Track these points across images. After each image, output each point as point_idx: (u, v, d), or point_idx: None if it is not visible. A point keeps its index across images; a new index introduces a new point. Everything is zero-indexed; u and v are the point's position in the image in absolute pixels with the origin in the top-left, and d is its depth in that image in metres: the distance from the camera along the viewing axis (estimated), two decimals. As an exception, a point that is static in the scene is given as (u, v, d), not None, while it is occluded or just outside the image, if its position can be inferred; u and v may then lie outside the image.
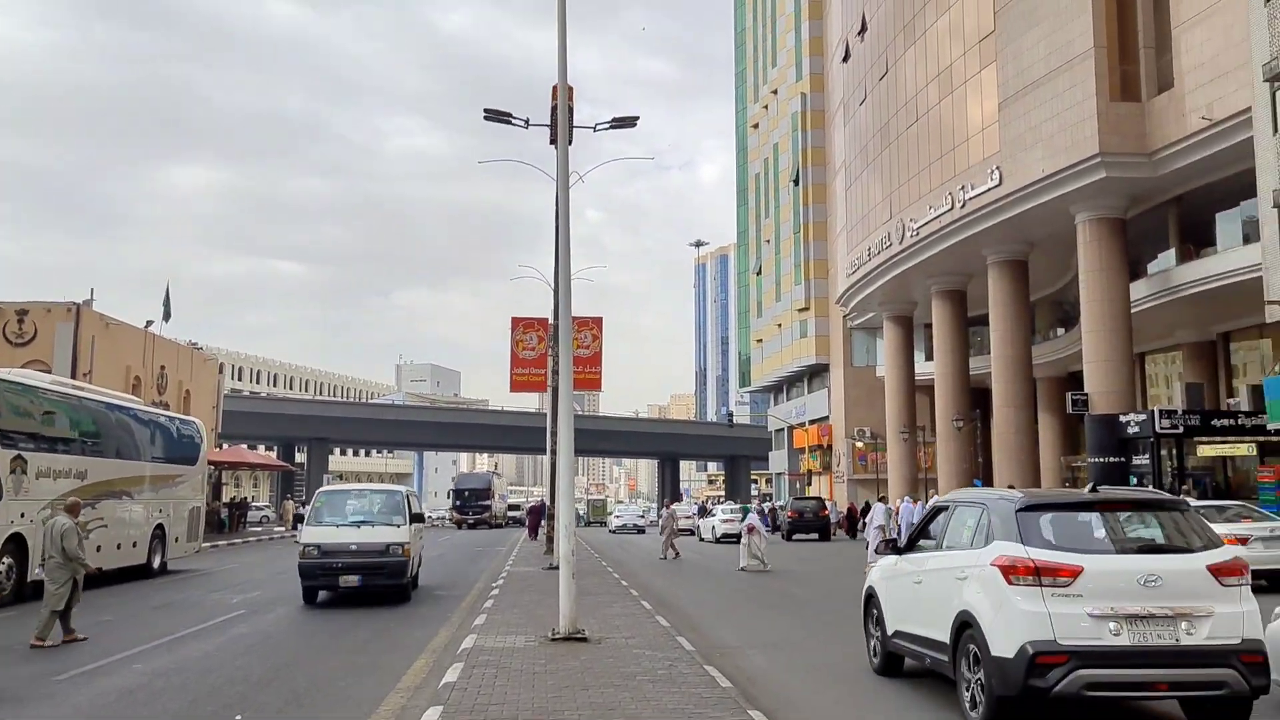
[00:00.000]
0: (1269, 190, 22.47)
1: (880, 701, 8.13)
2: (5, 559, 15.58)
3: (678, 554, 27.78)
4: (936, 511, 8.84)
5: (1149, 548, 7.27)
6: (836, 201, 56.88)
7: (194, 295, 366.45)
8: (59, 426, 17.69)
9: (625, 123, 26.09)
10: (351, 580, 14.94)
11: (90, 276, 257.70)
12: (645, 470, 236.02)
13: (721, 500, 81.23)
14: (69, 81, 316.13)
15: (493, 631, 11.20)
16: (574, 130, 24.80)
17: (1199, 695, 6.95)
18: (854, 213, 48.30)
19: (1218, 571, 6.97)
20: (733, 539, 42.42)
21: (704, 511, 54.38)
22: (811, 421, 65.84)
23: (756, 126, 77.39)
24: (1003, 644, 6.87)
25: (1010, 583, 6.95)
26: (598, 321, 26.14)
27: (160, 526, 21.04)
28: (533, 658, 9.31)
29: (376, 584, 15.11)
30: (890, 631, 8.86)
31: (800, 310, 65.23)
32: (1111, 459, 29.46)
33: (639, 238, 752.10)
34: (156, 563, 20.90)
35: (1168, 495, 8.76)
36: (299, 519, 49.42)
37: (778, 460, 76.88)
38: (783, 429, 73.12)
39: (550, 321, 25.72)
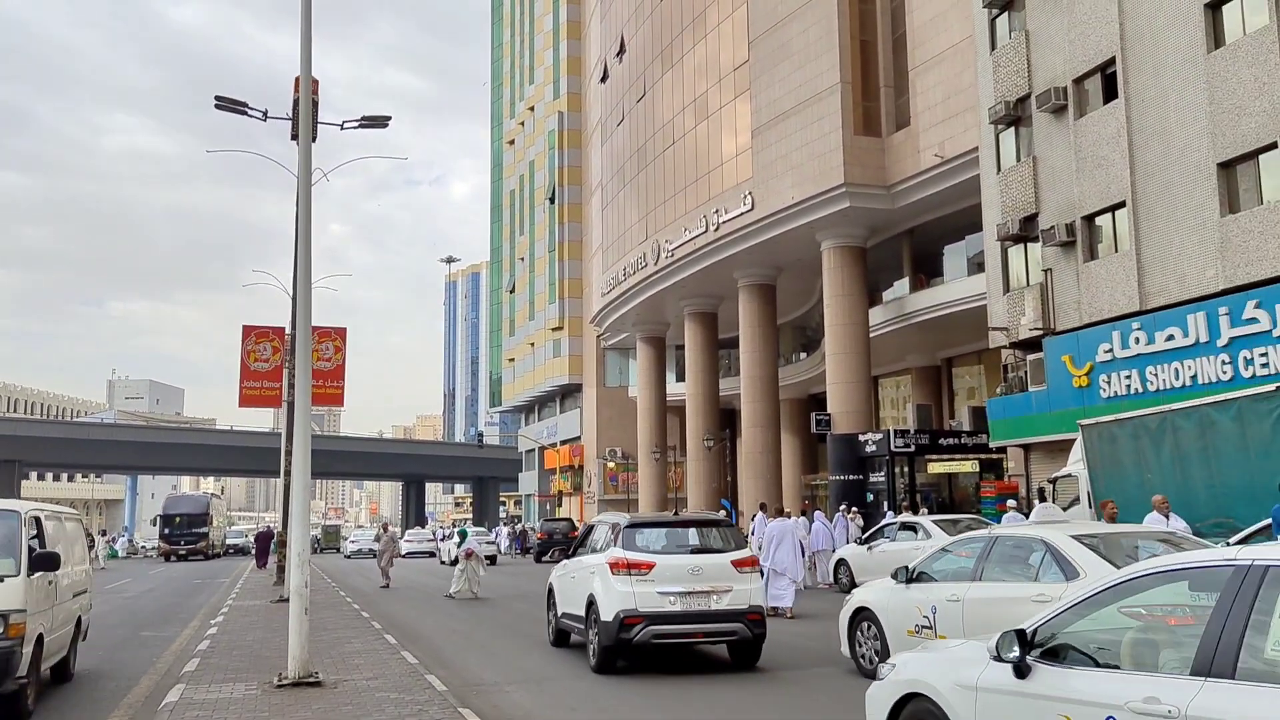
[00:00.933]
0: (993, 225, 24.08)
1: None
2: None
3: (388, 582, 25.69)
4: (590, 529, 12.89)
5: (698, 550, 11.13)
6: (592, 221, 56.98)
7: None
8: None
9: (376, 122, 24.14)
10: None
11: None
12: (389, 493, 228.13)
13: (468, 523, 79.32)
14: None
15: (207, 679, 9.42)
16: (319, 127, 22.90)
17: (723, 640, 11.08)
18: (610, 232, 48.40)
19: (737, 564, 10.97)
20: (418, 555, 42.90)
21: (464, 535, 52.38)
22: (563, 442, 65.40)
23: (513, 143, 76.58)
24: (607, 612, 10.52)
25: (614, 573, 10.63)
26: (341, 333, 24.17)
27: None
28: (253, 711, 7.70)
29: None
30: (560, 613, 12.43)
31: (554, 329, 64.78)
32: (851, 476, 30.66)
33: (386, 253, 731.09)
34: None
35: (717, 515, 15.38)
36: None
37: (528, 481, 75.89)
38: (534, 449, 72.25)
39: (287, 331, 23.49)
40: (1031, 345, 22.87)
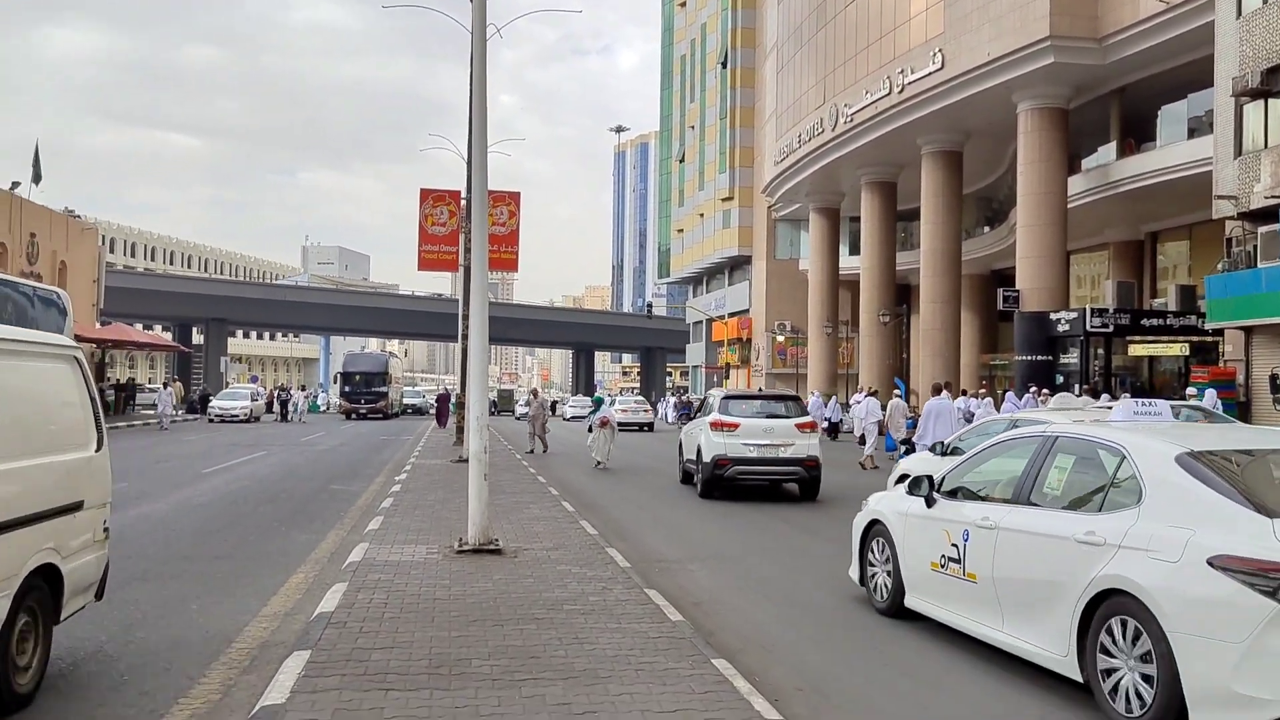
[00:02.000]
0: (1227, 78, 21.34)
1: (884, 655, 6.74)
2: None
3: (546, 447, 24.88)
4: (704, 400, 18.43)
5: (771, 416, 15.57)
6: (766, 86, 54.71)
7: (77, 167, 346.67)
8: None
9: (550, -25, 23.63)
10: None
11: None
12: (559, 360, 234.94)
13: (635, 392, 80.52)
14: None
15: (389, 539, 9.56)
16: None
17: (790, 480, 15.75)
18: (785, 97, 46.31)
19: (799, 426, 15.41)
20: (630, 426, 41.55)
21: (599, 404, 53.18)
22: (731, 314, 64.82)
23: (684, 4, 73.93)
24: (707, 455, 15.22)
25: (713, 430, 15.27)
26: (515, 197, 23.99)
27: (13, 408, 18.55)
28: (434, 577, 7.69)
29: None
30: (684, 459, 17.69)
31: (724, 199, 63.46)
32: (1039, 357, 28.91)
33: (555, 125, 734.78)
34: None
35: (788, 392, 20.16)
36: (205, 399, 46.71)
37: (695, 353, 76.08)
38: (701, 321, 72.05)
39: (463, 194, 23.52)
40: (1264, 216, 20.43)
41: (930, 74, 31.68)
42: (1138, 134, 29.52)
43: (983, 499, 6.61)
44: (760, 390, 15.97)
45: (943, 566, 6.66)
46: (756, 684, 5.31)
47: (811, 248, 48.49)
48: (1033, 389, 24.96)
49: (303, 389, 55.89)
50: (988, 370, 42.21)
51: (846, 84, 37.83)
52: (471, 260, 9.76)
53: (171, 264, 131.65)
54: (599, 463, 21.01)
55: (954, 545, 6.53)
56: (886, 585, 7.42)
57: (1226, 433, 6.95)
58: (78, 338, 32.96)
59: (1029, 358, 29.15)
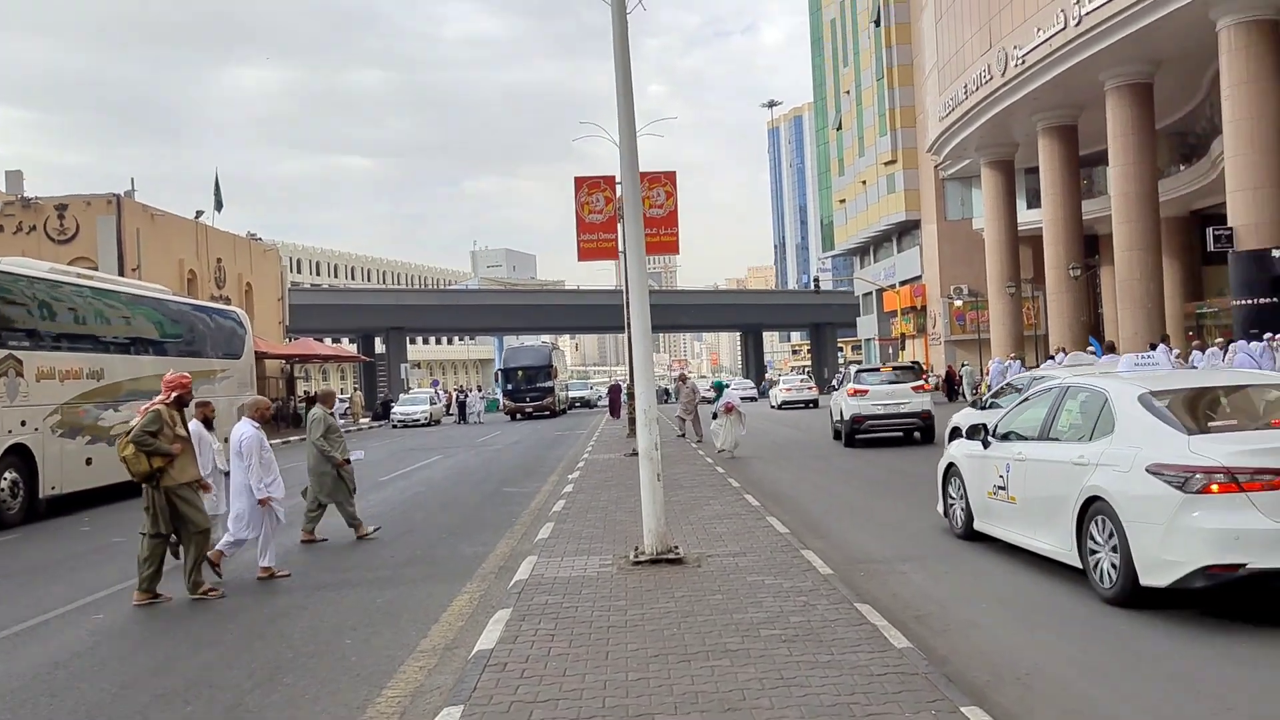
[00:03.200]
0: None
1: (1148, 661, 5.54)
2: (8, 473, 13.80)
3: (700, 436, 23.00)
4: (844, 375, 28.31)
5: (892, 381, 21.45)
6: (924, 40, 51.83)
7: (261, 195, 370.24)
8: (62, 320, 15.74)
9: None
10: None
11: (159, 183, 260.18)
12: (727, 343, 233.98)
13: (805, 369, 78.63)
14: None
15: (559, 550, 8.87)
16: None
17: (910, 427, 21.08)
18: (947, 48, 43.59)
19: (914, 388, 21.21)
20: (796, 405, 41.02)
21: (720, 389, 51.60)
22: (903, 282, 62.02)
23: (831, -35, 71.25)
24: (847, 414, 21.24)
25: (850, 396, 21.16)
26: (670, 177, 23.15)
27: (201, 429, 19.13)
28: (608, 597, 6.84)
29: None
30: (834, 419, 23.12)
31: (887, 164, 60.71)
32: (1262, 300, 25.84)
33: (705, 108, 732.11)
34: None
35: (908, 363, 31.42)
36: (387, 406, 48.00)
37: (867, 325, 73.43)
38: (871, 292, 69.38)
39: (618, 179, 22.88)
40: None
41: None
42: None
43: (1021, 439, 8.33)
44: (885, 363, 21.80)
45: (995, 494, 8.53)
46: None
47: (986, 204, 45.52)
48: (1268, 336, 21.99)
49: (478, 389, 56.54)
50: (1194, 320, 38.60)
51: (1015, 24, 35.07)
52: (627, 242, 8.88)
53: (352, 278, 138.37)
54: (722, 450, 19.55)
55: (1000, 476, 8.38)
56: (959, 515, 9.35)
57: (1193, 376, 8.91)
58: (265, 355, 34.43)
59: (1249, 301, 26.12)
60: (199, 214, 35.92)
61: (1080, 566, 6.99)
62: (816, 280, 74.11)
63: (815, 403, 42.27)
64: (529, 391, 46.10)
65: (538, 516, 11.73)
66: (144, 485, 8.21)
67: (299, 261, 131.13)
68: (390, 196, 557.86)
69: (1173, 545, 6.05)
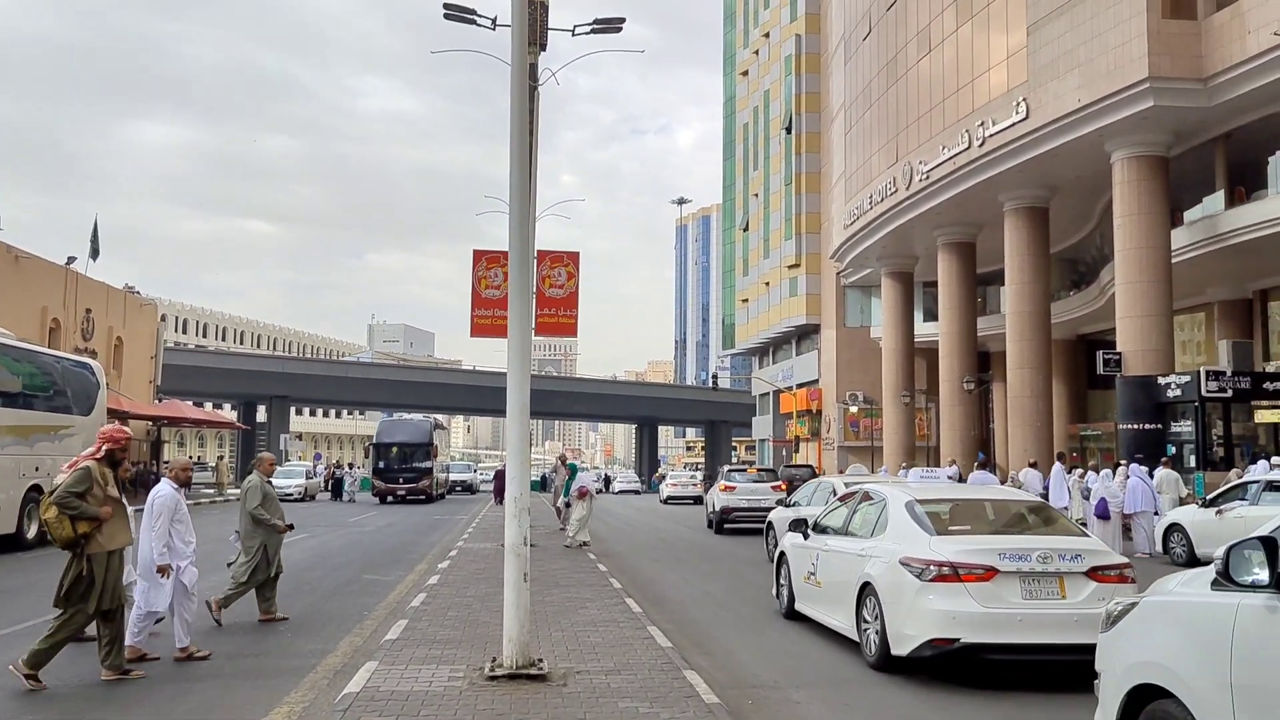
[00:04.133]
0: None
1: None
2: None
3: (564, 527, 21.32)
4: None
5: (756, 481, 26.04)
6: (833, 149, 53.20)
7: (162, 253, 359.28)
8: None
9: (609, 26, 22.26)
10: None
11: (54, 234, 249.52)
12: (622, 435, 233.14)
13: (700, 468, 78.13)
14: (28, 33, 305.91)
15: (407, 655, 7.63)
16: (549, 34, 21.07)
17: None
18: (854, 158, 44.66)
19: (774, 488, 24.87)
20: (684, 500, 41.37)
21: (574, 472, 51.15)
22: (800, 385, 62.46)
23: (746, 74, 73.26)
24: (720, 507, 24.85)
25: (721, 491, 25.46)
26: (574, 257, 22.30)
27: (37, 487, 17.22)
28: None
29: None
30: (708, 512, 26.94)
31: (790, 267, 61.65)
32: (1147, 425, 26.27)
33: (615, 203, 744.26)
34: (31, 531, 17.17)
35: (768, 466, 38.64)
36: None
37: (762, 426, 73.60)
38: (768, 393, 69.73)
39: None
40: None
41: (1014, 124, 29.75)
42: (1247, 183, 27.19)
43: (831, 533, 9.68)
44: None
45: (808, 579, 9.87)
46: None
47: (885, 313, 46.22)
48: (1164, 460, 21.85)
49: (351, 466, 53.97)
50: (1078, 442, 39.37)
51: (921, 141, 36.05)
52: (510, 304, 7.89)
53: (241, 343, 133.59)
54: (575, 540, 18.23)
55: (813, 564, 9.72)
56: (784, 595, 10.66)
57: (955, 489, 12.14)
58: (128, 415, 32.04)
59: (1135, 426, 26.53)
60: (71, 260, 33.69)
61: (856, 639, 8.35)
62: (715, 377, 74.17)
63: (700, 499, 41.81)
64: (403, 471, 40.30)
65: (393, 611, 10.40)
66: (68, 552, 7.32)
67: (185, 322, 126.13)
68: (292, 263, 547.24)
69: (911, 621, 7.46)
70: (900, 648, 7.52)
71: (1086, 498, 18.46)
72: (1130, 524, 17.11)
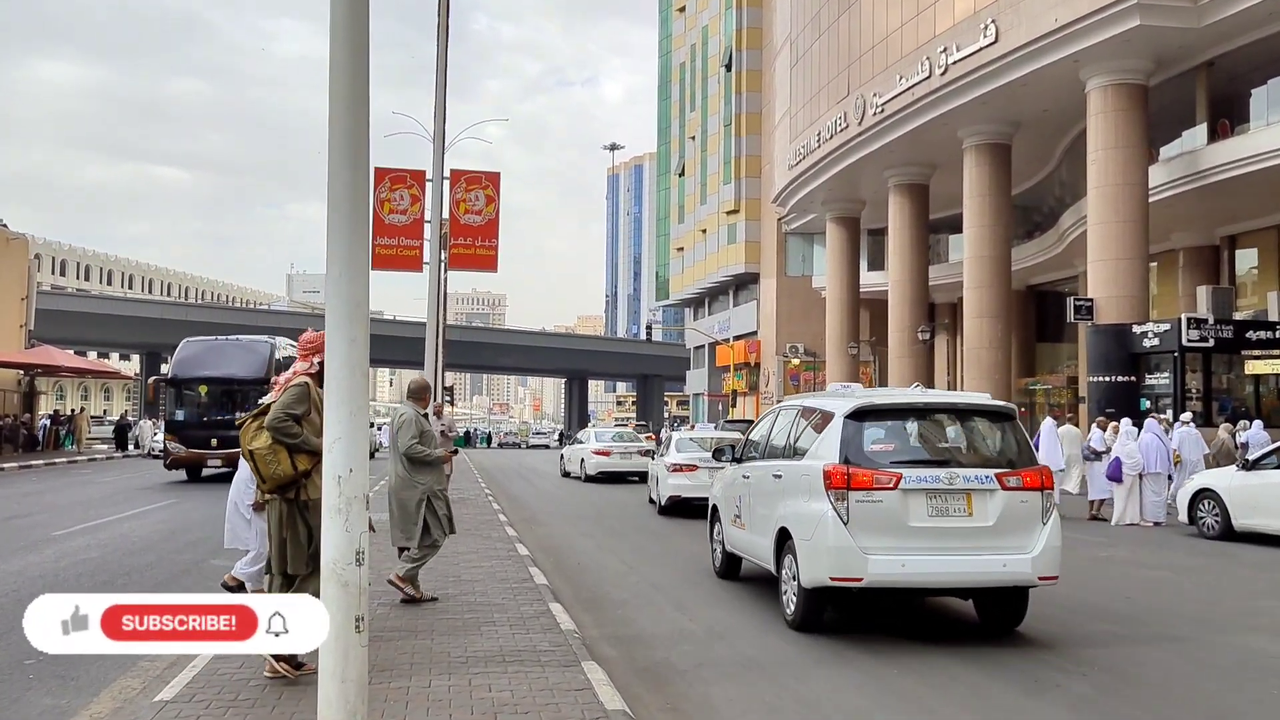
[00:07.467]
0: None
1: None
2: None
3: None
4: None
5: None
6: (776, 87, 50.41)
7: (64, 201, 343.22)
8: None
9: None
10: None
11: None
12: (551, 389, 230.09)
13: (636, 423, 75.56)
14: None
15: None
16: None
17: None
18: (801, 94, 41.90)
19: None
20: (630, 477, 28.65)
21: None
22: (737, 337, 60.09)
23: (683, 9, 69.86)
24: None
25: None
26: (493, 178, 19.27)
27: None
28: None
29: None
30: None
31: (729, 213, 58.98)
32: (1119, 378, 24.26)
33: (542, 156, 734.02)
34: None
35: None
36: (124, 430, 40.90)
37: (697, 380, 71.30)
38: (704, 346, 67.30)
39: (429, 175, 18.82)
40: None
41: (981, 49, 27.24)
42: (1232, 118, 25.15)
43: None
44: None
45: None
46: None
47: (829, 261, 43.89)
48: (1186, 416, 19.23)
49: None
50: (1026, 396, 37.69)
51: (875, 71, 33.42)
52: (329, 166, 4.56)
53: (150, 291, 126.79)
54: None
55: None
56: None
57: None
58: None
59: (1106, 378, 24.51)
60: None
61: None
62: (649, 328, 71.52)
63: (644, 475, 24.55)
64: (220, 427, 21.80)
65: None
66: (268, 498, 5.77)
67: (87, 268, 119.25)
68: (207, 213, 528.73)
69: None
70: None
71: (1088, 457, 16.14)
72: (1140, 487, 14.79)
